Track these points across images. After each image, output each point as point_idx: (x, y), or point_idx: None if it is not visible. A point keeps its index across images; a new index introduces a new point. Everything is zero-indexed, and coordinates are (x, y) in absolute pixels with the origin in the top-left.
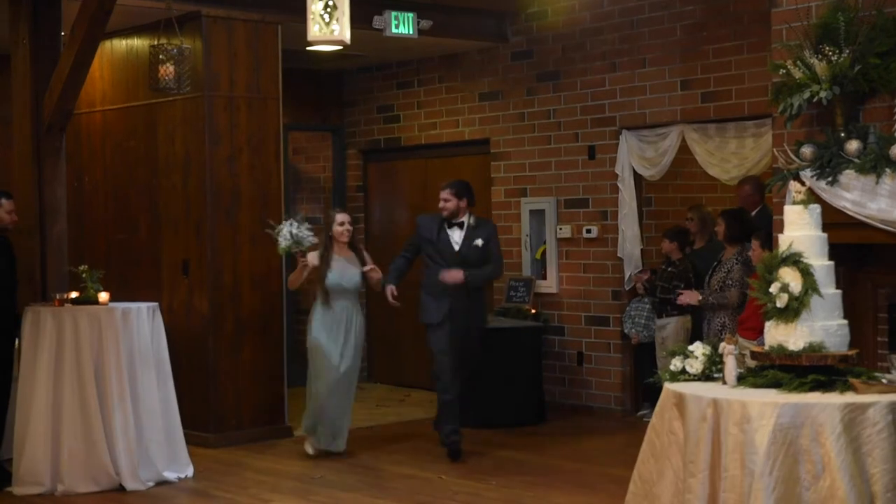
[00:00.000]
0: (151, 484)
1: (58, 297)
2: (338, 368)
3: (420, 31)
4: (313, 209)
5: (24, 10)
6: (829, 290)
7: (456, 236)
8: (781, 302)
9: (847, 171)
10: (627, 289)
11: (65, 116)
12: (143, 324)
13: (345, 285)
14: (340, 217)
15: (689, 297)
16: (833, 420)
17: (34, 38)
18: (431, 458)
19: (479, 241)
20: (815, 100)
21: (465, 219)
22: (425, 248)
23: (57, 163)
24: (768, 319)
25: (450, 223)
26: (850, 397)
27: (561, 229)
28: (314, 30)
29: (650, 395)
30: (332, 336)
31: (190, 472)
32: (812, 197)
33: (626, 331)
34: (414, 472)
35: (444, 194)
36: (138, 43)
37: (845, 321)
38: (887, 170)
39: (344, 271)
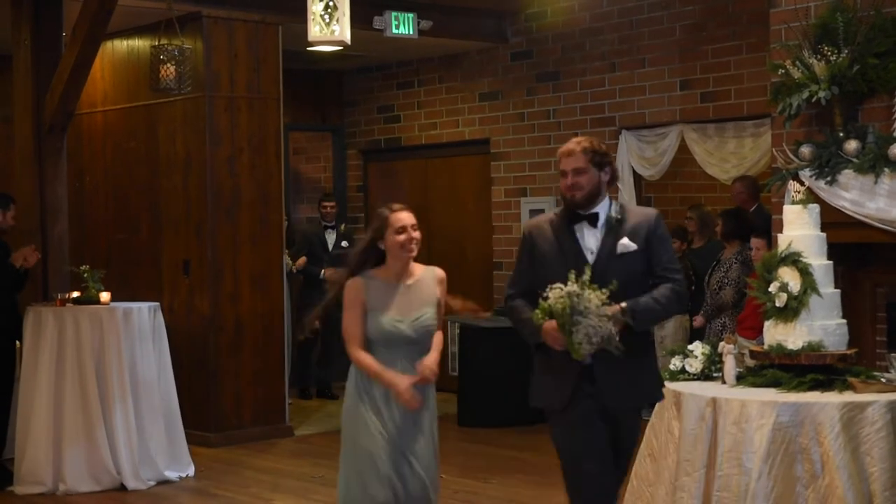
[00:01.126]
0: (152, 483)
1: (59, 296)
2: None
3: (420, 32)
4: (314, 210)
5: (26, 11)
6: (828, 289)
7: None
8: (780, 301)
9: (846, 171)
10: None
11: (66, 117)
12: (145, 323)
13: (406, 332)
14: (406, 217)
15: (698, 322)
16: (832, 419)
17: (36, 39)
18: None
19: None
20: (813, 100)
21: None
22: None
23: (58, 163)
24: (767, 319)
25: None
26: (848, 396)
27: None
28: (315, 30)
29: None
30: (384, 423)
31: (191, 471)
32: (811, 196)
33: None
34: None
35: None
36: (139, 43)
37: (844, 320)
38: (886, 169)
39: (409, 307)
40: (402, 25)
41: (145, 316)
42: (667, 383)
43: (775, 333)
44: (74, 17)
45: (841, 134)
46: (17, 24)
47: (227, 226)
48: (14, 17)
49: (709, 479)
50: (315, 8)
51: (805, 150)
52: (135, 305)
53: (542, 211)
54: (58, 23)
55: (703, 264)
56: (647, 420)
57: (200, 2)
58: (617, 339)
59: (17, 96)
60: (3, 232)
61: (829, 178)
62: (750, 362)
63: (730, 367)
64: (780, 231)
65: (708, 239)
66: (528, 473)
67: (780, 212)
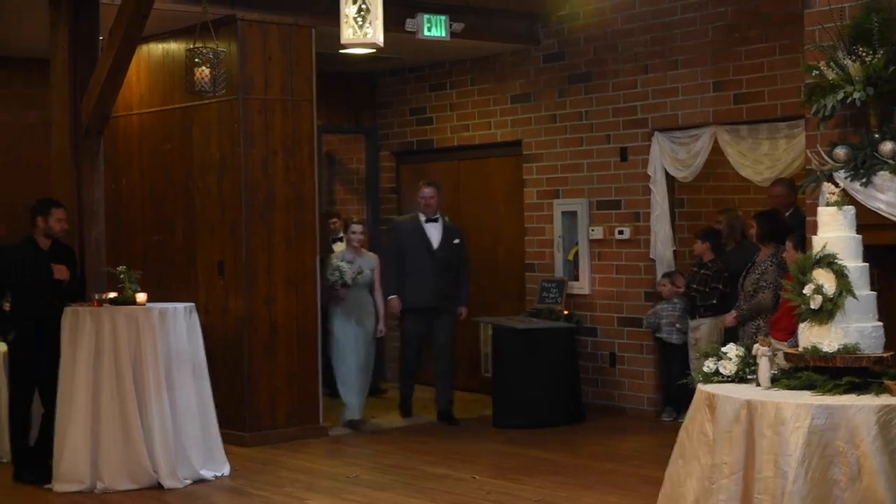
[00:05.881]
0: (188, 482)
1: (96, 297)
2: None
3: (452, 34)
4: (348, 210)
5: (64, 16)
6: (864, 291)
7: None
8: (815, 303)
9: (881, 173)
10: (657, 291)
11: (103, 120)
12: (180, 324)
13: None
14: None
15: (729, 321)
16: (868, 422)
17: (73, 43)
18: (464, 458)
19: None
20: (848, 101)
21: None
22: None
23: (95, 165)
24: (802, 321)
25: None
26: (885, 399)
27: (593, 230)
28: (348, 33)
29: (672, 397)
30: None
31: (226, 470)
32: (846, 198)
33: (664, 337)
34: (447, 472)
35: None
36: (174, 47)
37: (880, 323)
38: None
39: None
40: (435, 28)
41: (181, 316)
42: (700, 385)
43: (810, 335)
44: (111, 21)
45: (876, 135)
46: (56, 29)
47: (261, 227)
48: (52, 21)
49: (748, 482)
50: (348, 11)
51: (840, 151)
52: (170, 306)
53: (574, 212)
54: (95, 27)
55: (736, 265)
56: (668, 419)
57: (235, 5)
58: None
59: (54, 99)
60: (52, 237)
61: (864, 180)
62: (783, 363)
63: (764, 369)
64: (815, 233)
65: (739, 241)
66: (560, 474)
67: (815, 213)
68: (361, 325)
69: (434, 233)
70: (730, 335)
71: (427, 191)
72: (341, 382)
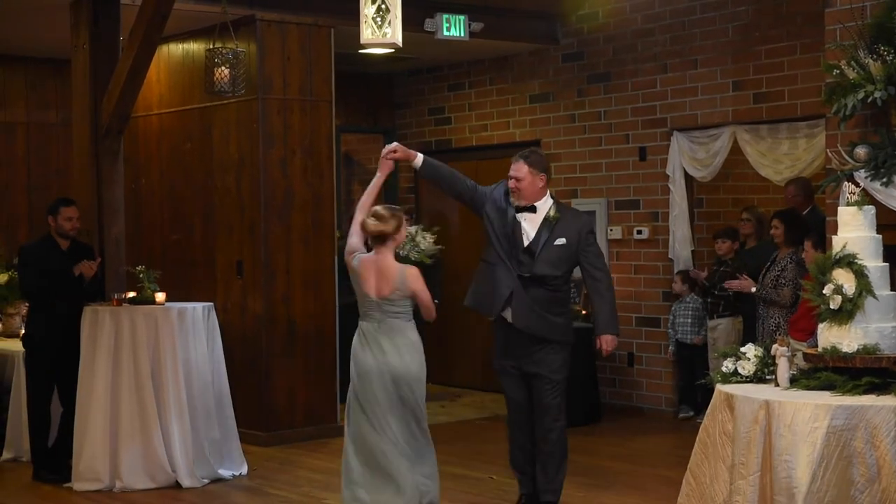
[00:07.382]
0: (207, 481)
1: (116, 296)
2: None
3: (471, 34)
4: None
5: (84, 16)
6: (884, 291)
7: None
8: (835, 303)
9: None
10: (674, 291)
11: (122, 120)
12: (199, 323)
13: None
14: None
15: (743, 285)
16: (888, 422)
17: (93, 43)
18: (482, 459)
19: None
20: (869, 100)
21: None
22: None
23: (115, 165)
24: (822, 321)
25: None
26: None
27: (611, 230)
28: (367, 33)
29: (687, 395)
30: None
31: (244, 469)
32: (866, 198)
33: (679, 337)
34: (464, 472)
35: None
36: (194, 47)
37: None
38: None
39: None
40: (454, 27)
41: (199, 316)
42: (719, 385)
43: (829, 336)
44: (131, 22)
45: None
46: (76, 29)
47: (279, 227)
48: (73, 21)
49: (764, 483)
50: (367, 11)
51: (860, 150)
52: (189, 305)
53: (593, 212)
54: (115, 27)
55: (756, 263)
56: (685, 416)
57: (254, 5)
58: None
59: (75, 100)
60: (65, 236)
61: (884, 180)
62: (802, 363)
63: (783, 370)
64: (835, 233)
65: (761, 238)
66: (579, 475)
67: (835, 213)
68: (387, 368)
69: (528, 226)
70: (748, 335)
71: (514, 167)
72: (343, 463)
